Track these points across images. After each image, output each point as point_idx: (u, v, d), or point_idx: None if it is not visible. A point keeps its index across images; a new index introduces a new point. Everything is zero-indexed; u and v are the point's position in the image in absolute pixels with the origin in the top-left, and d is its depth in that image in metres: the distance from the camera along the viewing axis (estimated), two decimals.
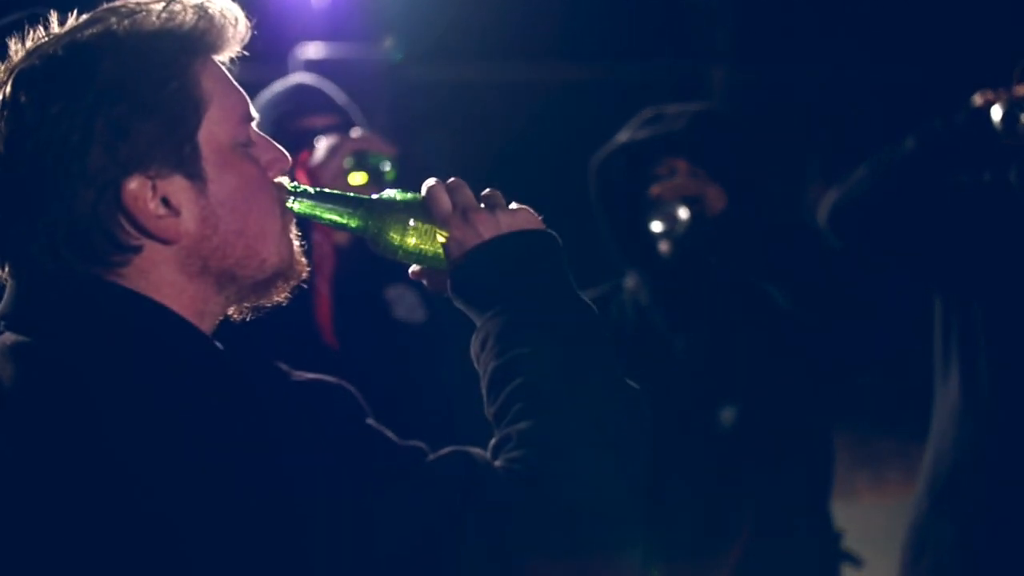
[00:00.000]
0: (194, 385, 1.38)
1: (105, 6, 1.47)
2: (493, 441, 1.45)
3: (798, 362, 3.00)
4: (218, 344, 1.48)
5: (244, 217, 1.47)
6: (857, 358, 3.07)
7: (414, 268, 1.62)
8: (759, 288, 2.96)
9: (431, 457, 1.41)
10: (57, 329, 1.42)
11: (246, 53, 1.51)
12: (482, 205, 1.57)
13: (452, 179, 1.59)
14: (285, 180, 1.55)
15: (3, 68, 1.45)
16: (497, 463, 1.41)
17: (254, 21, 1.51)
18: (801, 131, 9.53)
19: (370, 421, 1.43)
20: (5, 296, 1.48)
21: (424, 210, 1.57)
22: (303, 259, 1.55)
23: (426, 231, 1.56)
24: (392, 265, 1.64)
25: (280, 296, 1.54)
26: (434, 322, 2.97)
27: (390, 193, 1.59)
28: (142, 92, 1.41)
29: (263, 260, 1.50)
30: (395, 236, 1.56)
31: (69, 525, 1.32)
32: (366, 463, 1.37)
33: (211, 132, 1.46)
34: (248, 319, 1.54)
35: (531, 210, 1.58)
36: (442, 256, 1.56)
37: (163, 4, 1.45)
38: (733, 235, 2.90)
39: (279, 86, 3.11)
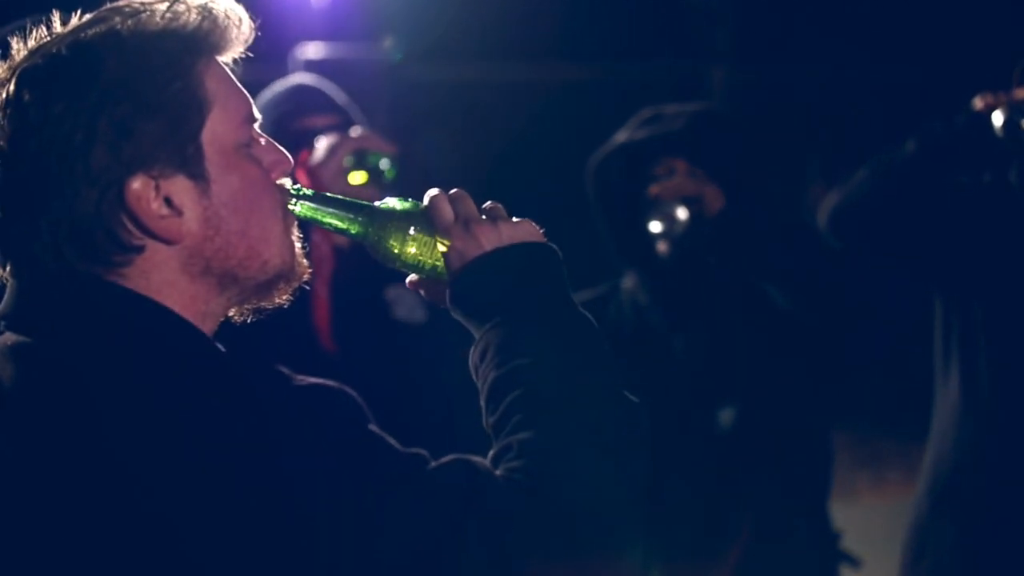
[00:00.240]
0: (194, 386, 1.38)
1: (109, 5, 1.47)
2: (493, 451, 1.45)
3: (797, 362, 3.00)
4: (219, 346, 1.48)
5: (246, 218, 1.47)
6: (857, 358, 3.07)
7: (412, 278, 1.62)
8: (758, 288, 2.96)
9: (433, 465, 1.41)
10: (57, 330, 1.42)
11: (249, 54, 1.51)
12: (484, 216, 1.57)
13: (455, 190, 1.59)
14: (287, 182, 1.55)
15: (6, 66, 1.45)
16: (498, 472, 1.41)
17: (258, 22, 1.51)
18: (801, 131, 9.52)
19: (372, 427, 1.43)
20: (6, 296, 1.48)
21: (425, 219, 1.57)
22: (305, 261, 1.55)
23: (426, 241, 1.56)
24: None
25: (281, 298, 1.54)
26: (434, 322, 2.97)
27: (392, 201, 1.59)
28: (146, 92, 1.41)
29: (265, 261, 1.50)
30: (395, 244, 1.56)
31: (69, 526, 1.32)
32: (367, 468, 1.37)
33: (214, 133, 1.46)
34: (246, 321, 1.55)
35: (533, 223, 1.58)
36: (441, 266, 1.56)
37: (167, 4, 1.45)
38: (732, 235, 2.90)
39: (279, 86, 3.11)
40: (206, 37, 1.46)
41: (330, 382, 1.47)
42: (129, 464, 1.32)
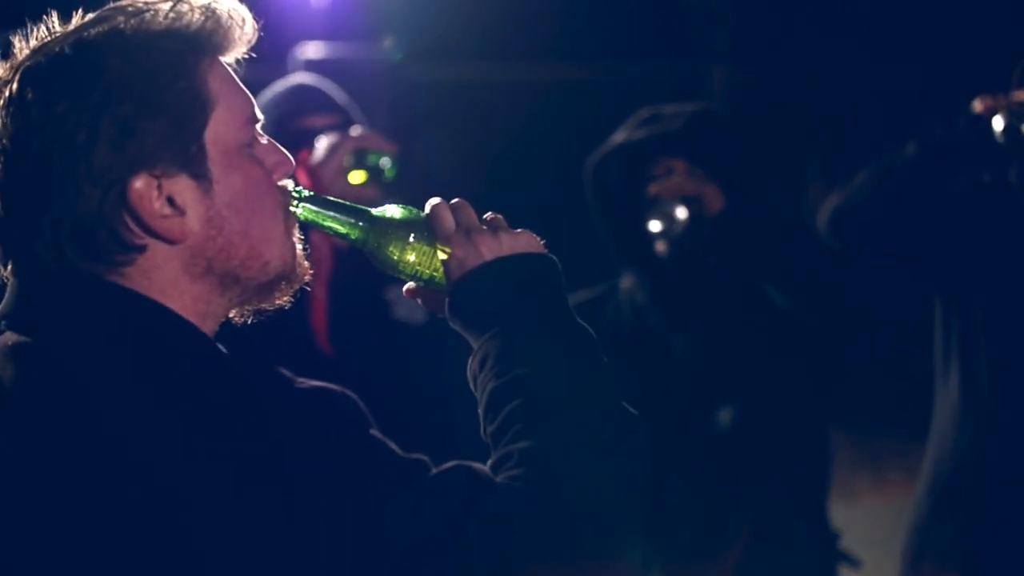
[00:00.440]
0: (195, 387, 1.38)
1: (112, 5, 1.47)
2: (492, 459, 1.45)
3: (797, 362, 3.00)
4: (220, 347, 1.48)
5: (248, 219, 1.47)
6: (857, 358, 3.07)
7: (409, 286, 1.62)
8: (757, 288, 2.96)
9: (434, 470, 1.41)
10: (58, 330, 1.42)
11: (253, 55, 1.51)
12: (484, 227, 1.57)
13: (456, 199, 1.59)
14: (289, 183, 1.55)
15: (9, 65, 1.45)
16: (498, 479, 1.41)
17: (261, 22, 1.51)
18: (801, 131, 9.52)
19: (373, 431, 1.44)
20: (6, 295, 1.48)
21: (426, 227, 1.57)
22: (306, 263, 1.55)
23: (426, 249, 1.57)
24: None
25: (282, 299, 1.54)
26: (434, 323, 2.96)
27: (392, 208, 1.59)
28: (149, 91, 1.41)
29: (266, 262, 1.50)
30: (394, 251, 1.57)
31: (69, 526, 1.32)
32: (368, 470, 1.37)
33: (217, 133, 1.46)
34: (246, 323, 1.55)
35: (533, 234, 1.58)
36: (440, 275, 1.57)
37: (170, 4, 1.45)
38: (731, 235, 2.90)
39: (279, 86, 3.11)
40: (209, 37, 1.46)
41: (331, 385, 1.47)
42: (130, 464, 1.32)
